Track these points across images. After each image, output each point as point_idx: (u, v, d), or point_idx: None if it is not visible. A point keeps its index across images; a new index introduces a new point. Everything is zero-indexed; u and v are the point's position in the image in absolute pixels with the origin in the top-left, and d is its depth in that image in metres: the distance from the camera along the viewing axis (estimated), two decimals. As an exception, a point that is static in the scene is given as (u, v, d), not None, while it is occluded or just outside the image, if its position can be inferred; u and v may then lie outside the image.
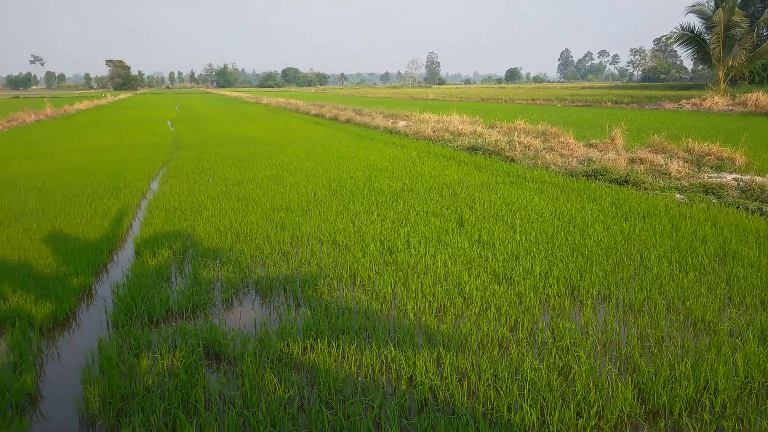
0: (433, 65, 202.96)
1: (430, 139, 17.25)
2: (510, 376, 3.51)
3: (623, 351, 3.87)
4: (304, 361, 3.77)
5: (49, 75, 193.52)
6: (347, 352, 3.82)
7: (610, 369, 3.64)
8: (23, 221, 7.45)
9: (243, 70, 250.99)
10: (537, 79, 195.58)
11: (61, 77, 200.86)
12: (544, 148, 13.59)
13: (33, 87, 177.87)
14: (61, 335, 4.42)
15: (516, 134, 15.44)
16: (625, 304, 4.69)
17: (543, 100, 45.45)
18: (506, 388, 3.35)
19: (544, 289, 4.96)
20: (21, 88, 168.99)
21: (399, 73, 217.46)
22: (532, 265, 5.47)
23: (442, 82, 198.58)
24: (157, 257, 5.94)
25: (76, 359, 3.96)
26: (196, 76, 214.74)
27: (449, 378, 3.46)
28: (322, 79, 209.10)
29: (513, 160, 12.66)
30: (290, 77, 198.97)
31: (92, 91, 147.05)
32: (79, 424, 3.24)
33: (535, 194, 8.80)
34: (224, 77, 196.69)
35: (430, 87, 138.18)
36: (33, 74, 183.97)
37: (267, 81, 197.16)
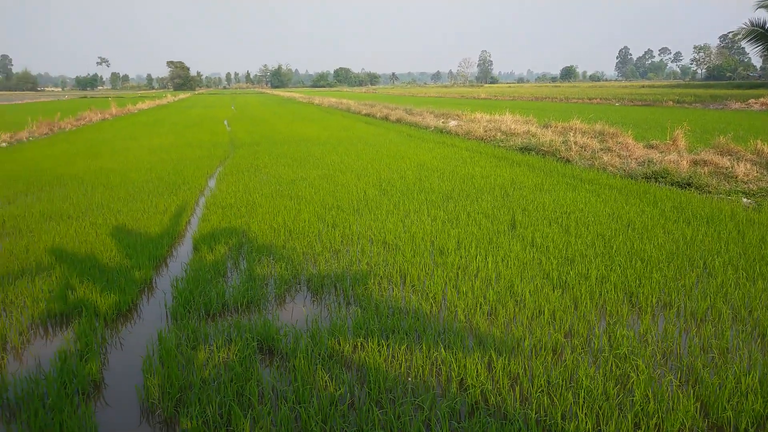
0: (485, 64, 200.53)
1: (482, 139, 17.05)
2: (564, 382, 3.42)
3: (685, 361, 3.71)
4: (355, 360, 3.80)
5: (114, 76, 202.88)
6: (397, 352, 3.83)
7: (671, 379, 3.49)
8: (90, 216, 7.84)
9: (296, 70, 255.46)
10: (593, 78, 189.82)
11: (125, 78, 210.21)
12: (601, 149, 13.19)
13: (99, 87, 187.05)
14: (124, 326, 4.62)
15: (571, 134, 15.06)
16: (686, 313, 4.49)
17: (600, 99, 44.13)
18: (560, 395, 3.27)
19: (600, 294, 4.81)
20: (88, 89, 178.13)
21: (450, 72, 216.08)
22: (588, 270, 5.32)
23: (494, 80, 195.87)
24: (214, 253, 6.12)
25: (138, 349, 4.14)
26: (251, 76, 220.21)
27: (501, 382, 3.41)
28: (373, 78, 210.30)
29: (568, 160, 12.34)
30: (342, 77, 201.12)
31: (153, 91, 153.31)
32: (140, 412, 3.38)
33: (592, 196, 8.55)
34: (278, 77, 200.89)
35: (482, 86, 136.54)
36: (99, 75, 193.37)
37: (319, 81, 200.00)
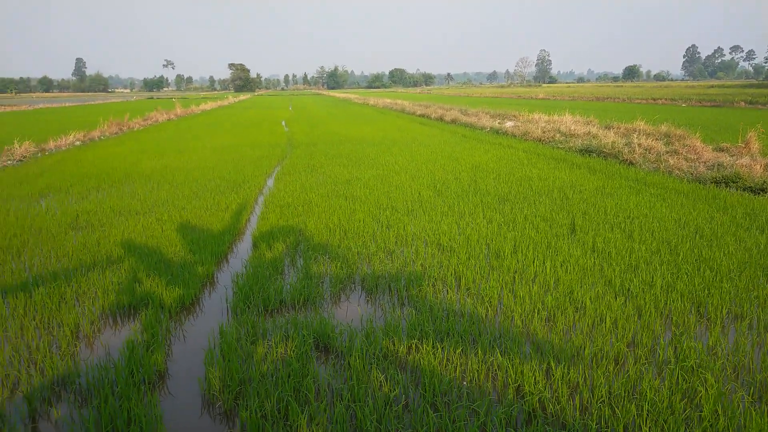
0: (543, 63, 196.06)
1: (540, 140, 16.68)
2: (627, 394, 3.30)
3: (758, 377, 3.50)
4: (409, 361, 3.80)
5: (179, 78, 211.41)
6: (452, 356, 3.80)
7: (742, 396, 3.30)
8: (156, 212, 8.20)
9: (352, 71, 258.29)
10: (658, 77, 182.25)
11: (189, 80, 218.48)
12: (667, 152, 12.63)
13: (165, 89, 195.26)
14: (187, 318, 4.79)
15: (635, 136, 14.50)
16: (760, 326, 4.24)
17: (665, 99, 42.32)
18: (623, 407, 3.15)
19: (666, 303, 4.61)
20: (155, 90, 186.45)
21: (507, 71, 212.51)
22: (652, 278, 5.11)
23: (553, 80, 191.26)
24: (272, 250, 6.27)
25: (199, 342, 4.29)
26: (308, 78, 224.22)
27: (560, 391, 3.32)
28: (428, 79, 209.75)
29: (631, 163, 11.90)
30: (397, 78, 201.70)
31: (215, 92, 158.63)
32: (201, 403, 3.50)
33: (657, 201, 8.21)
34: (334, 79, 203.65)
35: (540, 86, 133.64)
36: (165, 77, 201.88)
37: (374, 82, 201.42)
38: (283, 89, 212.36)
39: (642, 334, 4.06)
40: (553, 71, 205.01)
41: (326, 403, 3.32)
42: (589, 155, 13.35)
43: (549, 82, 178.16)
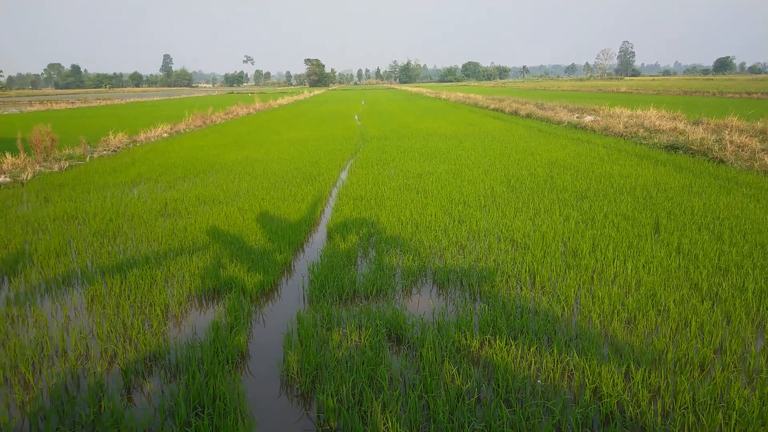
0: (626, 55, 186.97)
1: (621, 136, 15.98)
2: (713, 401, 3.14)
3: None
4: (482, 356, 3.79)
5: (258, 73, 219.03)
6: (526, 353, 3.75)
7: None
8: (237, 201, 8.58)
9: (425, 65, 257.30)
10: (754, 70, 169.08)
11: (267, 75, 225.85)
12: (763, 149, 11.75)
13: (244, 84, 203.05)
14: (266, 303, 5.01)
15: (726, 132, 13.59)
16: None
17: (761, 93, 39.28)
18: (708, 415, 3.00)
19: (758, 310, 4.32)
20: (235, 85, 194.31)
21: (587, 64, 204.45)
22: (743, 282, 4.80)
23: (636, 73, 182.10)
24: (346, 241, 6.41)
25: (278, 326, 4.47)
26: (381, 72, 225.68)
27: (640, 395, 3.20)
28: (502, 72, 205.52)
29: (722, 161, 11.17)
30: (470, 71, 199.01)
31: (292, 87, 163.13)
32: (280, 384, 3.66)
33: (750, 201, 7.67)
34: (407, 73, 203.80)
35: (622, 79, 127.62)
36: (245, 72, 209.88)
37: (447, 76, 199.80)
38: (356, 84, 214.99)
39: (731, 341, 3.83)
40: (637, 63, 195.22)
41: (399, 392, 3.38)
42: (675, 152, 12.65)
43: (632, 75, 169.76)
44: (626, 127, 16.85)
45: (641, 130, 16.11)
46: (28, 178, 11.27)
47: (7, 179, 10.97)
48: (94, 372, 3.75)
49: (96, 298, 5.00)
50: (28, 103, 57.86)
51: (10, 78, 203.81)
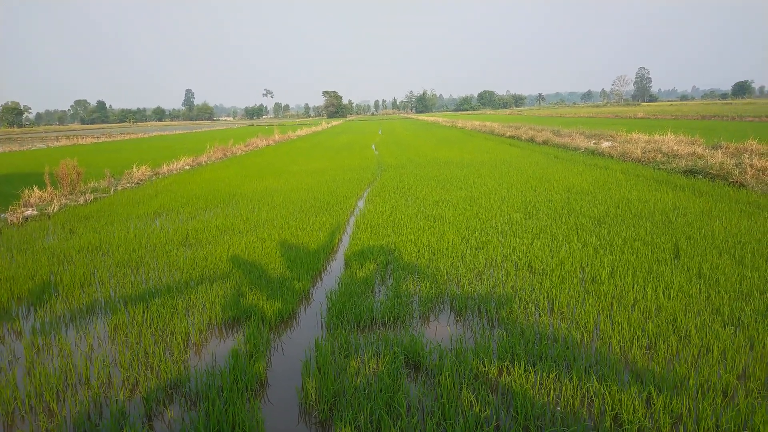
0: (642, 81, 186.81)
1: (639, 161, 15.91)
2: (736, 428, 3.08)
3: None
4: (500, 383, 3.77)
5: (277, 105, 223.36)
6: (545, 380, 3.72)
7: None
8: (257, 231, 8.71)
9: (440, 95, 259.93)
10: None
11: (286, 107, 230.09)
12: (785, 172, 11.59)
13: (264, 116, 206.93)
14: (284, 331, 5.05)
15: (746, 156, 13.46)
16: None
17: (783, 115, 38.81)
18: (733, 444, 2.94)
19: (784, 335, 4.24)
20: (255, 117, 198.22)
21: (603, 90, 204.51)
22: (766, 307, 4.72)
23: (653, 99, 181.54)
24: (363, 269, 6.46)
25: (296, 353, 4.50)
26: (397, 102, 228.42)
27: (662, 421, 3.16)
28: (518, 100, 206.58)
29: (742, 185, 11.04)
30: (486, 100, 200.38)
31: (310, 119, 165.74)
32: (299, 411, 3.68)
33: (773, 225, 7.56)
34: (423, 103, 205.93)
35: (639, 104, 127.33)
36: (264, 105, 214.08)
37: (463, 105, 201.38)
38: (373, 114, 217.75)
39: (755, 367, 3.76)
40: (654, 89, 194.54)
41: (417, 419, 3.38)
42: (694, 177, 12.54)
43: (648, 101, 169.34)
44: (644, 153, 16.78)
45: (659, 155, 16.02)
46: (55, 210, 11.57)
47: (35, 212, 11.29)
48: (117, 400, 3.80)
49: (119, 327, 5.09)
50: (55, 139, 59.68)
51: (38, 114, 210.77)
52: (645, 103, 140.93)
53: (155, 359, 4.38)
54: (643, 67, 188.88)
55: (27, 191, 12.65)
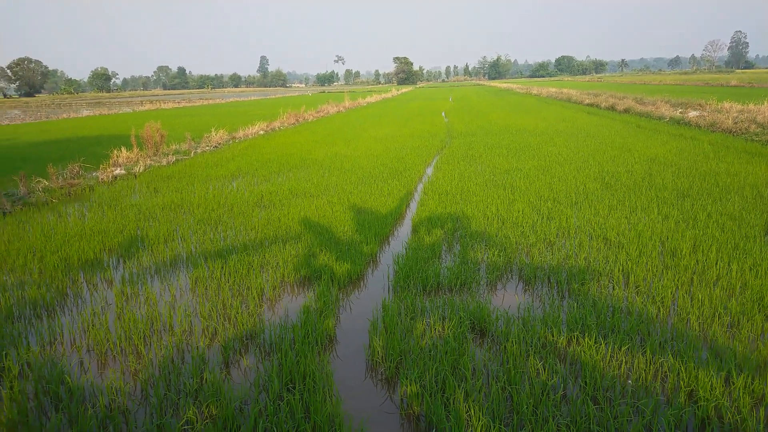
0: (738, 46, 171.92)
1: (730, 132, 14.81)
2: (828, 416, 2.89)
3: None
4: (569, 353, 3.71)
5: (348, 72, 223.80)
6: (616, 353, 3.63)
7: None
8: (327, 195, 8.89)
9: (515, 61, 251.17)
10: None
11: (357, 74, 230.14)
12: None
13: (335, 83, 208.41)
14: (353, 292, 5.18)
15: None
16: None
17: None
18: (822, 430, 2.77)
19: None
20: (326, 84, 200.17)
21: (693, 56, 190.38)
22: None
23: (749, 65, 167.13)
24: (430, 235, 6.47)
25: (364, 313, 4.62)
26: (469, 69, 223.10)
27: (741, 401, 3.01)
28: (598, 66, 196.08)
29: None
30: (563, 66, 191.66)
31: (380, 85, 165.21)
32: (366, 367, 3.80)
33: None
34: (496, 69, 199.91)
35: (733, 72, 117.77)
36: (336, 72, 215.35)
37: (539, 71, 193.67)
38: (444, 81, 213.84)
39: None
40: (751, 55, 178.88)
41: (482, 382, 3.40)
42: (794, 149, 11.54)
43: (744, 68, 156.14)
44: (735, 123, 15.58)
45: (753, 126, 14.83)
46: (140, 170, 12.30)
47: (122, 171, 12.05)
48: (197, 347, 4.07)
49: (199, 280, 5.41)
50: (140, 103, 62.93)
51: (124, 80, 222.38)
52: (740, 71, 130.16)
53: (232, 311, 4.63)
54: (740, 31, 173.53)
55: (116, 152, 13.48)
